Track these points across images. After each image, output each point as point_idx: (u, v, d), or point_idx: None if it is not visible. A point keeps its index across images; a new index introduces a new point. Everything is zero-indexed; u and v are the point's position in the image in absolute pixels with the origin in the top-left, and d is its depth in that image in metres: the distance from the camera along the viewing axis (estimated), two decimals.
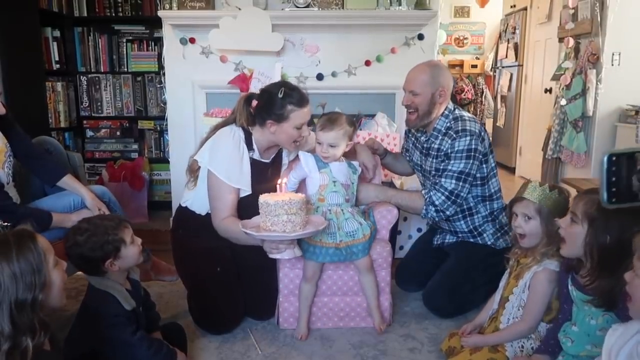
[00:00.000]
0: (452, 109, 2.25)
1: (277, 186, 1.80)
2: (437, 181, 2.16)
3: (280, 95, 1.97)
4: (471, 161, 2.13)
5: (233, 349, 1.98)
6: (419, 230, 2.88)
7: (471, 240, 2.32)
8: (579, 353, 1.50)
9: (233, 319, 2.12)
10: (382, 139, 2.97)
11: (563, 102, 3.77)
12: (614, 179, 0.93)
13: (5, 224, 1.76)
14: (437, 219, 2.23)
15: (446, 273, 2.27)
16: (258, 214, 1.80)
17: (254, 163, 2.07)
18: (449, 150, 2.15)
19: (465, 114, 2.25)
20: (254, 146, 2.08)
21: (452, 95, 9.18)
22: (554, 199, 1.71)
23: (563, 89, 3.85)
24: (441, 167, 2.17)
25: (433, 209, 2.15)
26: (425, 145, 2.32)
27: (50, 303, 1.26)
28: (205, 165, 2.03)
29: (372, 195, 2.17)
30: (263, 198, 1.74)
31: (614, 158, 0.92)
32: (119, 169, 3.61)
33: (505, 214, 2.20)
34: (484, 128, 2.27)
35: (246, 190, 2.03)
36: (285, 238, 1.73)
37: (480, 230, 2.29)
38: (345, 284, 2.11)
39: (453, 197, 2.13)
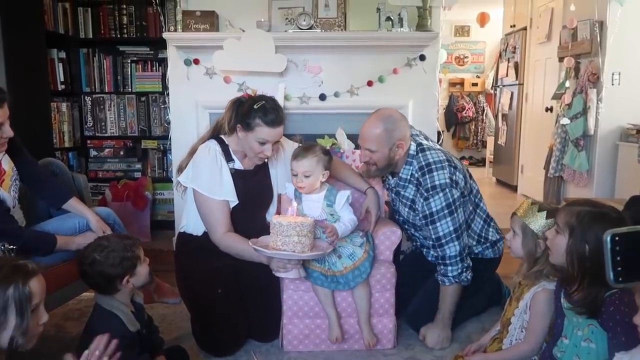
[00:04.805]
0: (415, 152, 2.14)
1: (289, 208, 1.93)
2: (442, 254, 2.08)
3: (255, 107, 2.02)
4: (455, 214, 2.06)
5: None
6: None
7: None
8: None
9: (235, 342, 2.11)
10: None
11: (565, 121, 3.79)
12: (618, 258, 0.90)
13: (11, 247, 1.76)
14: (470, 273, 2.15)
15: (427, 292, 2.22)
16: (248, 226, 1.97)
17: (236, 173, 2.11)
18: (427, 212, 2.07)
19: (429, 153, 2.11)
20: (233, 157, 2.13)
21: (453, 114, 9.03)
22: (540, 219, 1.68)
23: (564, 107, 3.87)
24: (431, 235, 2.09)
25: (465, 275, 2.10)
26: (395, 189, 2.25)
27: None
28: (189, 184, 2.08)
29: (437, 338, 2.12)
30: (276, 219, 1.83)
31: (616, 238, 0.90)
32: (122, 189, 3.62)
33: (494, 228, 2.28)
34: (453, 160, 2.14)
35: (232, 200, 2.08)
36: (294, 258, 1.82)
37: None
38: (350, 305, 2.10)
39: (465, 252, 2.10)
